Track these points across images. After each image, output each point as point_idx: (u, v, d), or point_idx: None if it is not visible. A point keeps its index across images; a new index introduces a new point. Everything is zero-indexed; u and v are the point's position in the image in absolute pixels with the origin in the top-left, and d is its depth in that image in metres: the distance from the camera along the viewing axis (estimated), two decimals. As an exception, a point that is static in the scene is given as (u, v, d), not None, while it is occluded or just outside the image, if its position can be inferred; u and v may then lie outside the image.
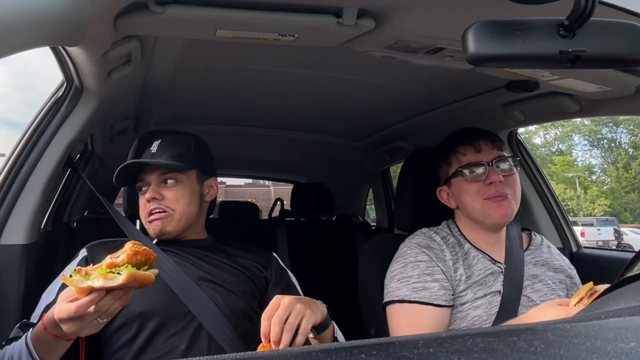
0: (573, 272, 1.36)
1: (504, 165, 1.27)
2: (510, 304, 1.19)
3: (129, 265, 0.82)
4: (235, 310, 1.17)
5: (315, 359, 0.39)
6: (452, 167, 1.32)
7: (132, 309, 1.10)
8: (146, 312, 1.11)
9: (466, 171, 1.28)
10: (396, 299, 1.21)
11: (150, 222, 1.22)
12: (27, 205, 1.29)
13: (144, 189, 1.24)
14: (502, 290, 1.21)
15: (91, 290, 0.81)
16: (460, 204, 1.32)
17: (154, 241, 1.24)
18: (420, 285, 1.20)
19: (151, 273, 0.85)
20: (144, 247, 0.85)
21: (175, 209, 1.22)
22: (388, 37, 1.11)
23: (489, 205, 1.25)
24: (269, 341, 0.85)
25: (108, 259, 0.83)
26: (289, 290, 1.28)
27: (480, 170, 1.27)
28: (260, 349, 0.86)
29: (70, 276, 0.82)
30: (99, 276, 0.80)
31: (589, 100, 1.48)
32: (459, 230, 1.33)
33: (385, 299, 1.25)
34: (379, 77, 1.61)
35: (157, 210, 1.21)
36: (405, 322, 1.19)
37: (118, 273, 0.81)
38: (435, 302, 1.19)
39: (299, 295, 1.29)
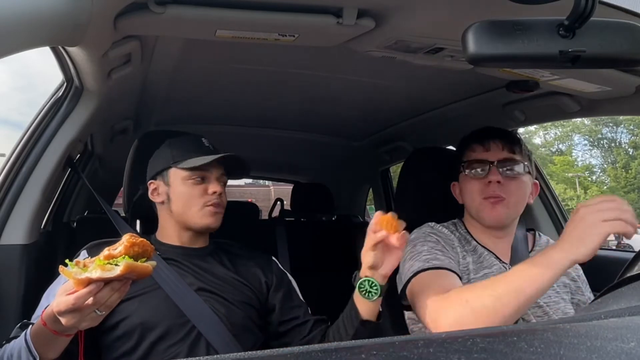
0: (578, 272, 1.36)
1: (510, 168, 1.26)
2: None
3: (127, 257, 0.82)
4: (234, 321, 1.17)
5: (315, 359, 0.39)
6: (459, 168, 1.33)
7: (133, 319, 1.10)
8: (147, 322, 1.11)
9: (468, 168, 1.29)
10: (411, 274, 1.19)
11: (213, 213, 1.23)
12: (27, 205, 1.29)
13: (203, 179, 1.24)
14: None
15: (89, 282, 0.81)
16: (463, 201, 1.34)
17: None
18: (432, 256, 1.21)
19: (149, 264, 0.85)
20: (141, 239, 0.86)
21: (224, 208, 1.26)
22: (388, 37, 1.10)
23: (484, 205, 1.26)
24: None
25: (106, 251, 0.84)
26: (289, 293, 1.29)
27: (482, 168, 1.27)
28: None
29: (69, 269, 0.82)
30: (96, 267, 0.81)
31: (589, 100, 1.48)
32: (466, 229, 1.33)
33: (403, 282, 1.21)
34: (379, 77, 1.61)
35: (220, 205, 1.24)
36: (428, 287, 1.15)
37: (116, 264, 0.82)
38: (448, 267, 1.18)
39: (299, 297, 1.30)
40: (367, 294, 1.07)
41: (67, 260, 0.85)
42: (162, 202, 1.26)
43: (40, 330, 0.91)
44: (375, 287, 1.06)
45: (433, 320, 1.04)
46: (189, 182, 1.23)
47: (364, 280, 1.07)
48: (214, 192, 1.23)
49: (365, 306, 1.08)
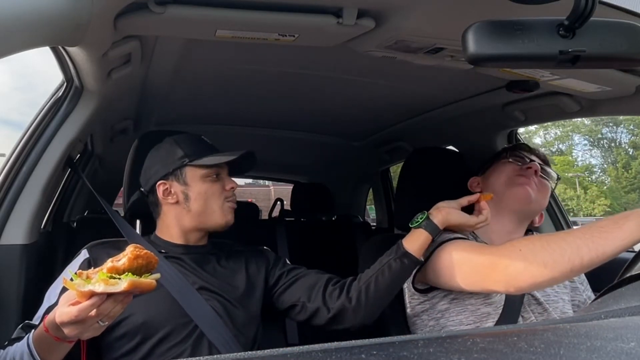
0: None
1: (546, 174, 1.37)
2: (514, 304, 1.20)
3: (130, 273, 0.81)
4: (235, 320, 1.18)
5: (315, 359, 0.39)
6: (500, 155, 1.42)
7: (135, 318, 1.10)
8: (149, 322, 1.11)
9: (512, 156, 1.37)
10: (436, 245, 1.21)
11: (232, 210, 1.27)
12: (27, 205, 1.29)
13: (217, 176, 1.26)
14: None
15: (92, 294, 0.81)
16: (487, 186, 1.38)
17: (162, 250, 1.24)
18: (455, 235, 1.25)
19: (153, 280, 0.83)
20: (145, 251, 0.84)
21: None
22: (388, 37, 1.10)
23: (513, 182, 1.32)
24: None
25: (109, 263, 0.82)
26: (283, 266, 1.32)
27: (525, 159, 1.36)
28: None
29: (72, 279, 0.82)
30: (100, 281, 0.80)
31: (589, 100, 1.48)
32: (474, 233, 1.34)
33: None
34: (379, 77, 1.61)
35: (235, 201, 1.28)
36: (470, 248, 1.17)
37: (119, 278, 0.81)
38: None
39: (294, 266, 1.33)
40: (413, 222, 1.18)
41: (69, 271, 0.84)
42: (177, 202, 1.24)
43: (42, 336, 0.91)
44: (423, 219, 1.17)
45: (489, 274, 1.07)
46: (208, 180, 1.24)
47: (422, 213, 1.20)
48: (232, 188, 1.26)
49: (408, 239, 1.17)
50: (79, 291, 0.80)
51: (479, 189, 1.40)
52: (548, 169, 1.38)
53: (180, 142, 1.27)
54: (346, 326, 1.21)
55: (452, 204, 1.21)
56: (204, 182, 1.23)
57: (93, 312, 0.82)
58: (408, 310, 1.33)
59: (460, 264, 1.12)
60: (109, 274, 0.81)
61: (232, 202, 1.27)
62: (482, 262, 1.08)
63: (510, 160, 1.37)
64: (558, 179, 1.41)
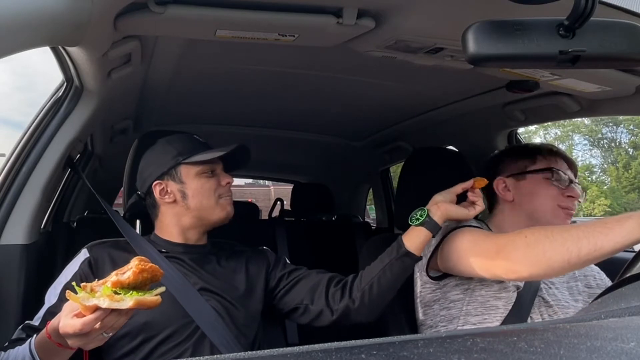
0: (598, 278, 1.36)
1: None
2: (524, 304, 1.20)
3: (134, 292, 0.81)
4: (235, 320, 1.18)
5: (315, 359, 0.39)
6: (538, 165, 1.33)
7: (136, 318, 1.09)
8: (151, 322, 1.11)
9: (556, 174, 1.31)
10: (450, 230, 1.22)
11: (228, 204, 1.27)
12: (27, 205, 1.29)
13: (212, 172, 1.26)
14: (520, 286, 1.21)
15: (97, 308, 0.80)
16: (523, 200, 1.33)
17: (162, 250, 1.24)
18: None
19: (158, 297, 0.83)
20: (150, 264, 0.83)
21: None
22: (388, 37, 1.10)
23: (559, 213, 1.28)
24: None
25: (114, 276, 0.82)
26: (284, 267, 1.32)
27: (567, 180, 1.31)
28: None
29: (75, 292, 0.81)
30: (104, 296, 0.80)
31: (589, 100, 1.48)
32: (489, 229, 1.33)
33: (437, 241, 1.24)
34: (379, 77, 1.61)
35: (231, 196, 1.28)
36: (483, 235, 1.17)
37: (124, 294, 0.80)
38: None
39: (295, 267, 1.33)
40: (413, 219, 1.17)
41: (74, 284, 0.84)
42: (174, 201, 1.24)
43: (45, 342, 0.91)
44: (423, 216, 1.16)
45: (494, 259, 1.07)
46: (203, 176, 1.24)
47: (420, 209, 1.18)
48: (227, 183, 1.26)
49: (409, 238, 1.16)
50: (83, 305, 0.80)
51: (507, 192, 1.35)
52: (578, 186, 1.34)
53: (172, 142, 1.28)
54: (349, 325, 1.21)
55: (447, 197, 1.21)
56: (200, 179, 1.24)
57: (97, 325, 0.82)
58: (418, 300, 1.33)
59: (470, 247, 1.14)
60: (114, 289, 0.81)
61: (229, 198, 1.27)
62: (490, 247, 1.09)
63: (551, 180, 1.31)
64: (584, 192, 1.39)
